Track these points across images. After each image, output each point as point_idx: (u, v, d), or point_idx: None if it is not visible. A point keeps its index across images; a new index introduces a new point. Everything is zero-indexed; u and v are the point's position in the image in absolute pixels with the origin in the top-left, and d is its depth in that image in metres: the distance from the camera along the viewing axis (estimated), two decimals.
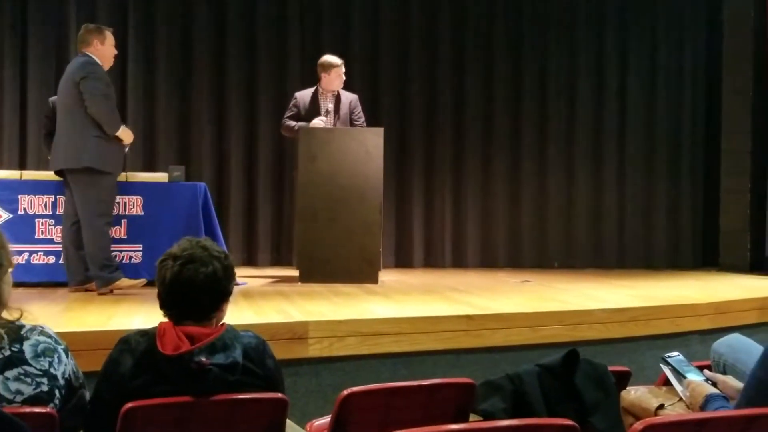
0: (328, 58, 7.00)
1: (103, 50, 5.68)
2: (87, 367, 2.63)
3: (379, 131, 6.61)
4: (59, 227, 5.93)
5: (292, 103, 7.07)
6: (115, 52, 5.83)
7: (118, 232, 6.09)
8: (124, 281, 5.55)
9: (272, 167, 8.76)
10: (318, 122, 6.77)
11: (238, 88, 8.68)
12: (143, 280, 5.61)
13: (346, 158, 6.51)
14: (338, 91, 6.99)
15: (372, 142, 6.52)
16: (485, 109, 9.23)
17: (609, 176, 9.47)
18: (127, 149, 5.89)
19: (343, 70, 6.97)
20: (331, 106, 6.93)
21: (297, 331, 4.08)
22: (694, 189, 9.68)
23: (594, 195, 9.44)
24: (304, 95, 7.04)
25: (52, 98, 6.25)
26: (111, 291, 5.50)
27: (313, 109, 6.92)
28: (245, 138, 8.73)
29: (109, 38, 5.73)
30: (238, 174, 8.68)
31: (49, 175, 5.98)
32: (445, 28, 9.16)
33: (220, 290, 2.46)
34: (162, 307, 2.45)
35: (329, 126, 6.82)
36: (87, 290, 5.61)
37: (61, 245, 5.86)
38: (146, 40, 8.47)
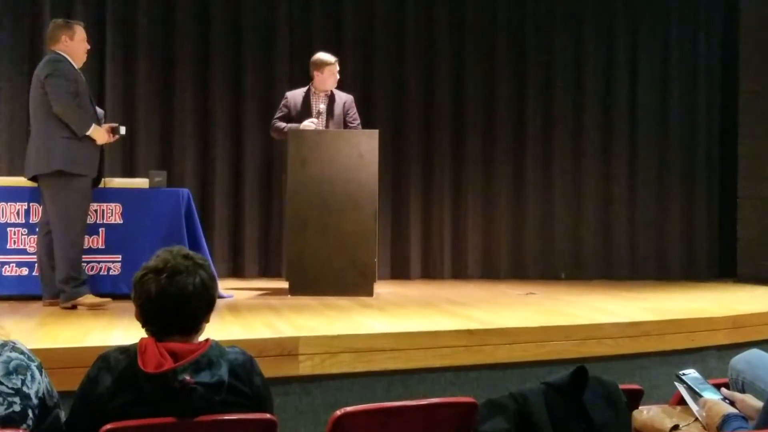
0: (321, 55, 7.02)
1: (73, 46, 5.68)
2: (62, 386, 2.62)
3: (374, 133, 6.61)
4: (33, 237, 5.92)
5: (283, 102, 7.09)
6: (88, 46, 5.82)
7: (96, 241, 6.08)
8: (88, 298, 5.50)
9: (260, 172, 8.75)
10: (308, 124, 6.78)
11: (223, 88, 8.68)
12: (108, 300, 5.56)
13: (338, 162, 6.51)
14: (332, 91, 7.01)
15: (366, 145, 6.53)
16: (487, 110, 9.24)
17: (619, 181, 9.49)
18: (120, 134, 5.85)
19: (338, 68, 6.99)
20: (323, 107, 6.95)
21: (286, 347, 4.08)
22: (709, 195, 9.70)
23: (603, 201, 9.46)
24: (295, 95, 7.06)
25: None
26: (74, 307, 5.46)
27: (305, 110, 6.93)
28: (231, 141, 8.72)
29: (79, 33, 5.73)
30: (224, 179, 8.67)
31: (21, 181, 5.97)
32: (444, 24, 9.17)
33: (209, 300, 2.49)
34: (145, 324, 2.46)
35: (321, 128, 6.83)
36: None
37: (34, 256, 5.84)
38: (125, 36, 8.46)
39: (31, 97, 5.70)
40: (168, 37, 8.60)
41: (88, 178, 5.66)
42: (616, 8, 9.58)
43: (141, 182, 6.48)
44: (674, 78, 9.65)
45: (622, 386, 2.72)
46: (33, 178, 5.70)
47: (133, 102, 8.45)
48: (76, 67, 5.68)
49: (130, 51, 8.47)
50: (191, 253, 2.51)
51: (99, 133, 5.67)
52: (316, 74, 6.96)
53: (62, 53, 5.64)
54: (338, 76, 7.01)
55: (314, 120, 6.84)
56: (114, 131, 5.78)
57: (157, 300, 2.41)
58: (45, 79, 5.51)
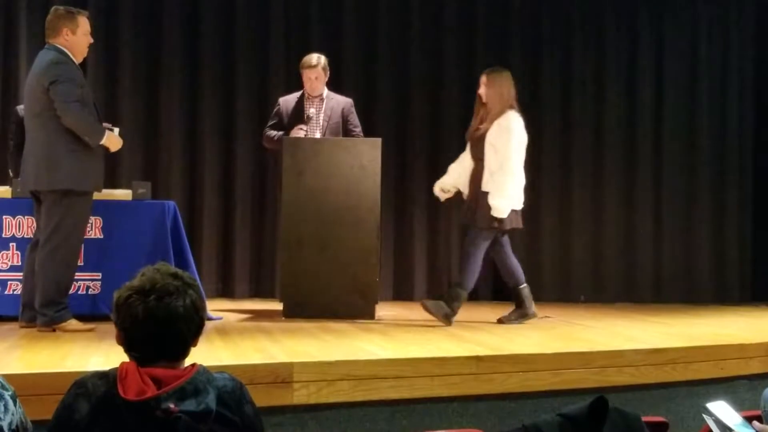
0: (306, 57, 6.99)
1: (75, 40, 5.57)
2: (36, 414, 2.63)
3: (377, 142, 6.62)
4: (5, 252, 5.94)
5: (275, 110, 7.10)
6: (90, 40, 5.71)
7: None
8: (72, 323, 5.46)
9: (252, 184, 8.77)
10: (298, 132, 6.77)
11: (213, 92, 8.71)
12: (92, 326, 5.52)
13: (338, 173, 6.52)
14: (325, 95, 6.98)
15: (368, 154, 6.54)
16: None
17: (643, 196, 9.48)
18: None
19: (320, 73, 6.89)
20: (313, 111, 6.92)
21: (280, 374, 4.08)
22: (741, 210, 9.69)
23: (626, 218, 9.45)
24: (287, 100, 7.06)
25: (20, 106, 6.28)
26: (53, 330, 5.44)
27: (297, 117, 6.93)
28: (221, 150, 8.74)
29: (83, 25, 5.61)
30: (213, 191, 8.68)
31: None
32: (452, 21, 9.20)
33: (199, 322, 2.50)
34: (130, 349, 2.46)
35: (314, 137, 6.81)
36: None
37: (7, 273, 5.85)
38: (108, 35, 8.49)
39: (29, 101, 5.61)
40: (154, 36, 8.64)
41: (91, 194, 5.63)
42: (640, 3, 9.57)
43: (123, 194, 6.49)
44: (703, 77, 9.63)
45: (645, 419, 2.71)
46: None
47: (115, 106, 8.46)
48: (77, 63, 5.61)
49: (113, 51, 8.51)
50: (179, 271, 2.51)
51: (113, 140, 5.64)
52: (302, 74, 6.96)
53: (63, 49, 5.54)
54: (323, 79, 6.94)
55: (303, 127, 6.80)
56: None
57: (144, 324, 2.40)
58: (50, 86, 5.40)
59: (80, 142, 5.48)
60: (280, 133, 6.85)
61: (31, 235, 5.91)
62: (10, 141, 6.93)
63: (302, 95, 7.01)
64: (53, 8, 5.73)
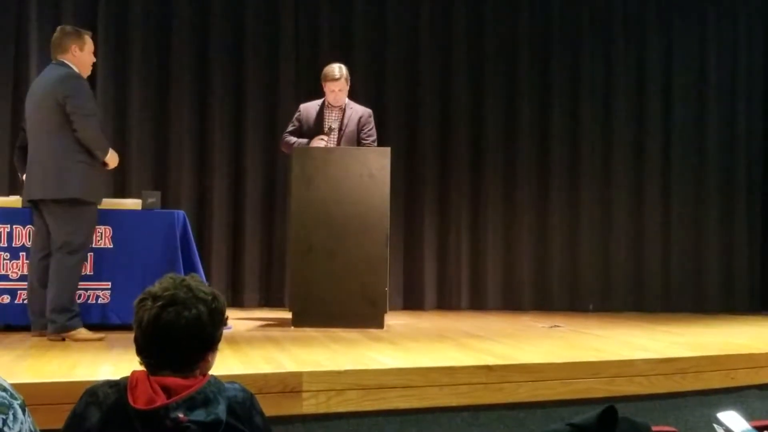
0: (327, 68, 6.95)
1: (82, 57, 5.69)
2: (46, 424, 2.62)
3: (386, 151, 6.62)
4: (16, 261, 5.94)
5: (296, 116, 7.09)
6: (94, 59, 5.84)
7: (84, 267, 6.05)
8: (82, 332, 5.48)
9: (262, 193, 8.78)
10: (318, 142, 6.79)
11: (222, 101, 8.73)
12: (102, 335, 5.53)
13: (347, 182, 6.52)
14: (346, 105, 6.97)
15: (377, 163, 6.53)
16: (507, 128, 9.26)
17: (651, 206, 9.48)
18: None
19: (343, 85, 6.88)
20: (335, 124, 6.92)
21: (289, 384, 4.07)
22: (750, 220, 9.67)
23: (634, 227, 9.44)
24: (308, 108, 7.05)
25: None
26: (63, 339, 5.46)
27: (318, 124, 6.92)
28: (230, 159, 8.75)
29: (89, 44, 5.74)
30: (222, 200, 8.69)
31: (6, 201, 6.00)
32: (462, 31, 9.22)
33: (203, 338, 2.48)
34: (139, 353, 2.46)
35: (332, 146, 6.82)
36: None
37: (18, 282, 5.87)
38: (118, 45, 8.52)
39: (37, 114, 5.65)
40: (164, 45, 8.67)
41: (96, 204, 5.70)
42: (648, 13, 9.57)
43: (133, 203, 6.49)
44: (712, 88, 9.64)
45: (655, 428, 2.70)
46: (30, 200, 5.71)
47: (125, 115, 8.50)
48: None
49: (123, 60, 8.53)
50: (196, 285, 2.50)
51: (113, 158, 5.75)
52: (324, 86, 6.95)
53: (71, 65, 5.63)
54: (346, 90, 6.94)
55: (324, 138, 6.83)
56: None
57: (146, 329, 2.42)
58: (66, 100, 5.48)
59: (89, 155, 5.57)
60: (302, 141, 6.85)
61: None
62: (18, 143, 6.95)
63: (323, 104, 6.99)
64: (60, 27, 5.86)
